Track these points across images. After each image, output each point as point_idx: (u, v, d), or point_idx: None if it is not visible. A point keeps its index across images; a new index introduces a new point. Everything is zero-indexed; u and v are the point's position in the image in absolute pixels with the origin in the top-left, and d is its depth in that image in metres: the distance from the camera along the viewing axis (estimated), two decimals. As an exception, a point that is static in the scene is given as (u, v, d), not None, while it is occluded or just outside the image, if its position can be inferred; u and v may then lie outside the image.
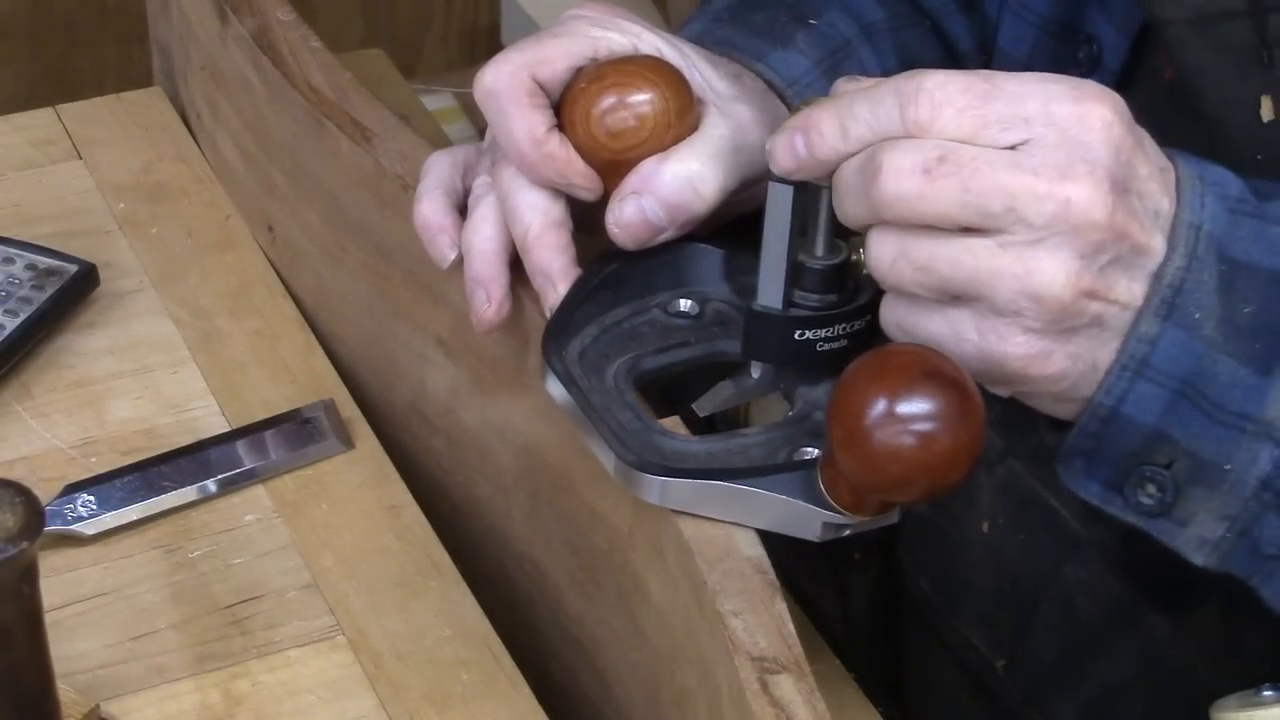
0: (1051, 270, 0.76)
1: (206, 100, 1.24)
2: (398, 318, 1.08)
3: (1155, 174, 0.78)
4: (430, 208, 0.95)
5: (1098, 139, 0.76)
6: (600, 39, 0.92)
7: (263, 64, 1.14)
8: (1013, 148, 0.76)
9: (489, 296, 0.92)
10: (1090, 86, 0.78)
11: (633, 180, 0.89)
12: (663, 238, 0.90)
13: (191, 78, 1.26)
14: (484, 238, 0.93)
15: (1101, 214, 0.75)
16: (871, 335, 0.86)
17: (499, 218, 0.92)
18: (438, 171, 0.97)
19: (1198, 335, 0.78)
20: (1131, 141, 0.77)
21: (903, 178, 0.77)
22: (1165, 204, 0.78)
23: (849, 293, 0.85)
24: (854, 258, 0.85)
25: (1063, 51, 1.02)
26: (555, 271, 0.90)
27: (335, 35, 2.10)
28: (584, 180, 0.90)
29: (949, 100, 0.77)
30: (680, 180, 0.89)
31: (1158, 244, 0.78)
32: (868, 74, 1.03)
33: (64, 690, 0.86)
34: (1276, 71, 0.88)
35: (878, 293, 0.86)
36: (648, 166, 0.89)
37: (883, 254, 0.79)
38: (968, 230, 0.77)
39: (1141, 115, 0.93)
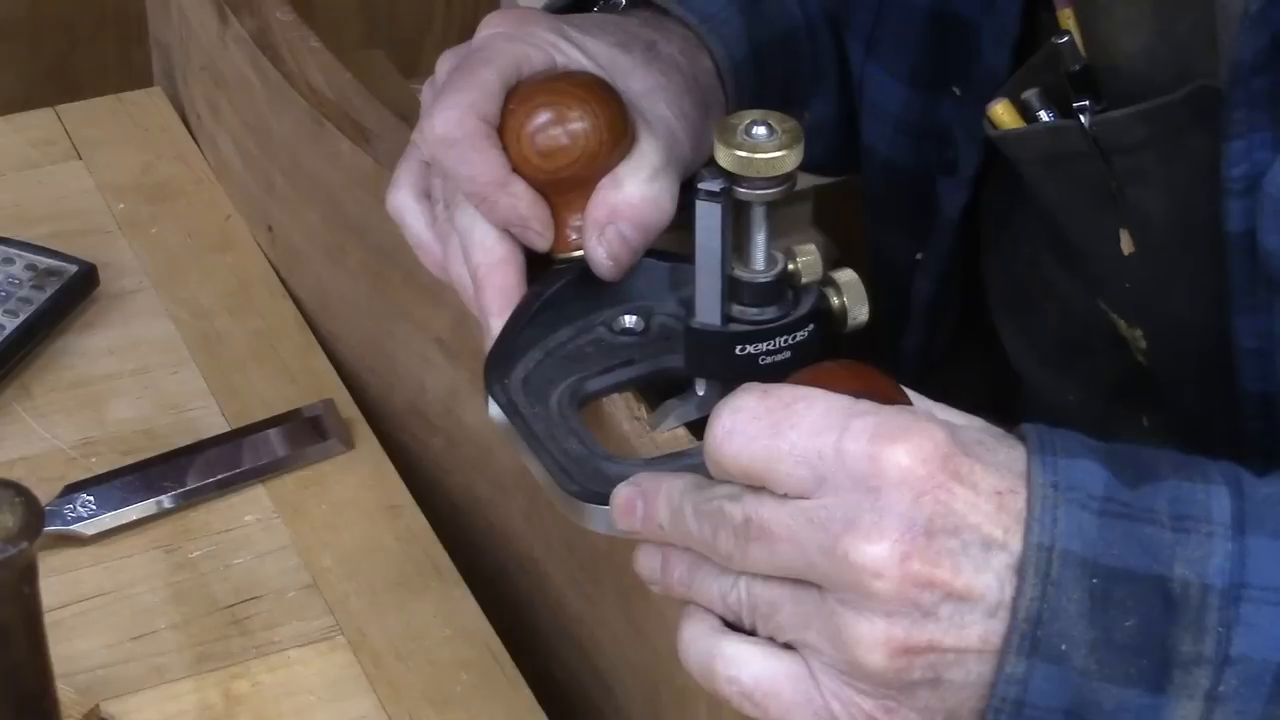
0: (857, 632, 0.69)
1: (206, 100, 1.24)
2: (398, 318, 1.08)
3: (983, 504, 0.69)
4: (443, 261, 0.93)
5: (889, 485, 0.68)
6: (523, 58, 0.91)
7: (263, 64, 1.14)
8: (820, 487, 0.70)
9: (485, 342, 0.91)
10: (899, 422, 0.69)
11: (600, 212, 0.89)
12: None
13: (191, 78, 1.26)
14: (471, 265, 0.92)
15: (891, 568, 0.68)
16: (814, 345, 0.85)
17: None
18: (414, 219, 0.94)
19: (1069, 667, 0.69)
20: (942, 478, 0.69)
21: (724, 541, 0.71)
22: (998, 533, 0.69)
23: (788, 304, 0.84)
24: (790, 268, 0.84)
25: (925, 151, 1.02)
26: (491, 313, 0.89)
27: (335, 35, 2.09)
28: (541, 228, 0.89)
29: (740, 428, 0.70)
30: (648, 202, 0.89)
31: (982, 583, 0.69)
32: (786, 14, 1.03)
33: (64, 690, 0.86)
34: (1130, 207, 0.88)
35: (819, 302, 0.85)
36: (608, 194, 0.89)
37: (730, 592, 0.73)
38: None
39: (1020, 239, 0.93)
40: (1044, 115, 0.89)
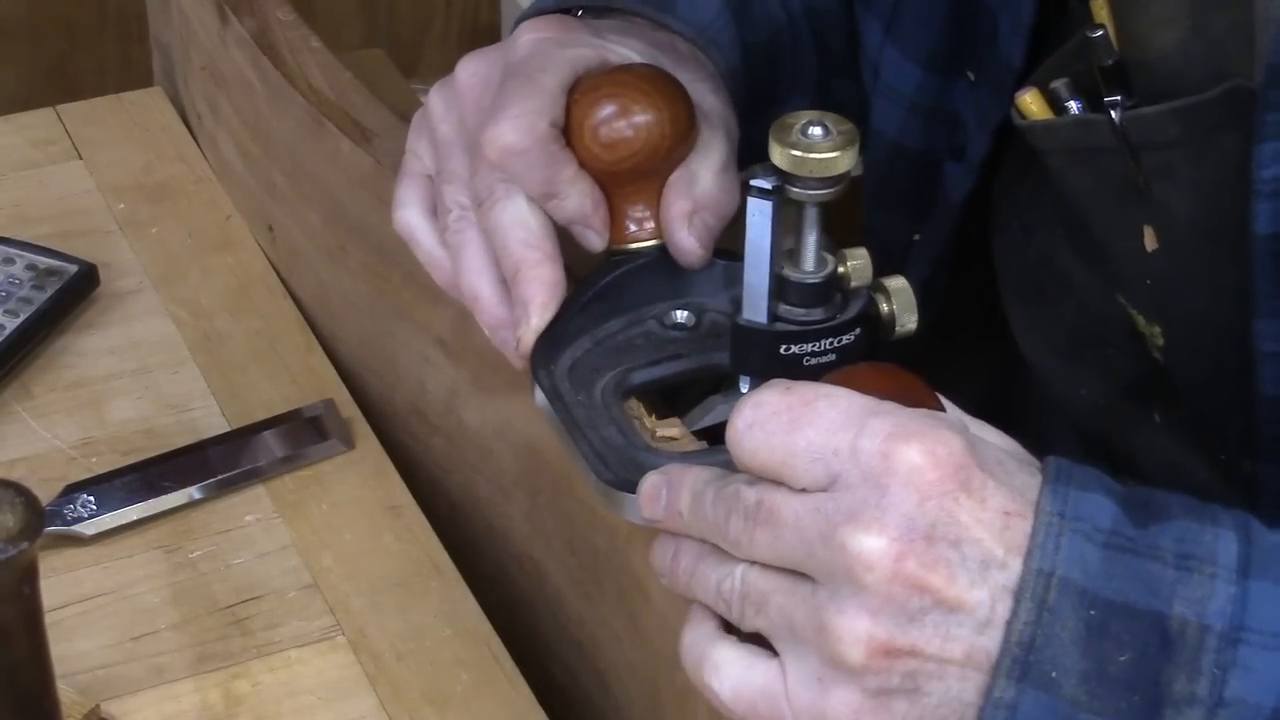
0: (840, 626, 0.69)
1: (206, 100, 1.24)
2: (398, 318, 1.08)
3: (989, 520, 0.69)
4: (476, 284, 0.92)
5: (897, 483, 0.68)
6: (578, 61, 0.90)
7: (263, 64, 1.14)
8: (833, 482, 0.70)
9: (518, 332, 0.90)
10: (917, 425, 0.70)
11: (684, 204, 0.89)
12: None
13: (191, 78, 1.26)
14: (488, 281, 0.90)
15: (885, 563, 0.68)
16: (860, 349, 0.85)
17: (489, 256, 0.90)
18: (424, 236, 0.93)
19: (1059, 696, 0.68)
20: (952, 486, 0.69)
21: (735, 525, 0.72)
22: (999, 552, 0.69)
23: (835, 306, 0.85)
24: (840, 270, 0.84)
25: (935, 135, 1.02)
26: (535, 305, 0.88)
27: (335, 35, 2.10)
28: (601, 227, 0.89)
29: (761, 423, 0.71)
30: (725, 193, 0.89)
31: (974, 598, 0.68)
32: (770, 16, 1.02)
33: (64, 690, 0.86)
34: (1155, 204, 0.87)
35: (867, 307, 0.85)
36: (687, 187, 0.89)
37: (725, 582, 0.74)
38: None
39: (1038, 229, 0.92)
40: (1073, 106, 0.89)
